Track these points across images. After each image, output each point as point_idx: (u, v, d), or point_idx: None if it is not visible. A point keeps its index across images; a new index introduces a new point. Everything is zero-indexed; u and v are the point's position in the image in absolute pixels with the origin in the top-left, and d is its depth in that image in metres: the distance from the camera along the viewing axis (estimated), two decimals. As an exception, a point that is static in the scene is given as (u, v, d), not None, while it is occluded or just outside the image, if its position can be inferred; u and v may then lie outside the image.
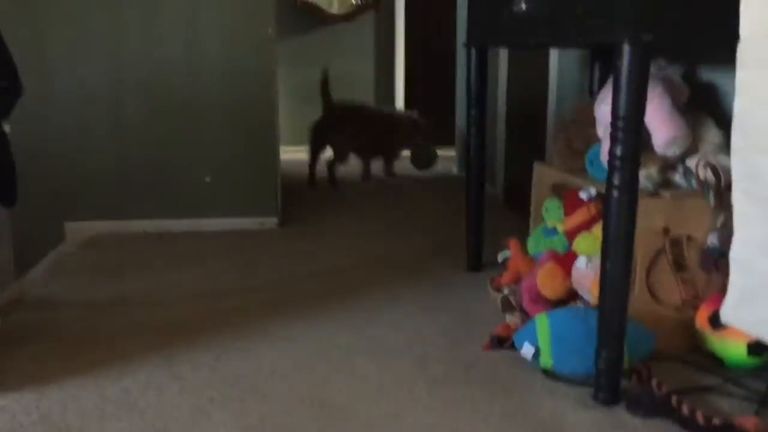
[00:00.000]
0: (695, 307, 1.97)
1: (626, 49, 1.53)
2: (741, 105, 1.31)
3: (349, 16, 6.55)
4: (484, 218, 2.78)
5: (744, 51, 1.29)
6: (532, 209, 2.60)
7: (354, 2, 6.55)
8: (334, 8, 6.55)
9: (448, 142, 5.76)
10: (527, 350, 1.88)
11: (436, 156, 5.19)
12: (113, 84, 3.36)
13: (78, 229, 3.35)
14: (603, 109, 2.05)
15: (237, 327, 2.24)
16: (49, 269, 2.88)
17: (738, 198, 1.36)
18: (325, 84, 4.79)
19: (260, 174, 3.55)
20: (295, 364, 1.98)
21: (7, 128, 2.01)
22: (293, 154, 6.29)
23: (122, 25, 3.32)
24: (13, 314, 2.35)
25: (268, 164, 3.56)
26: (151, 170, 3.43)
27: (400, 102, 6.66)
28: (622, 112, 1.58)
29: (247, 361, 1.99)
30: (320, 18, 6.49)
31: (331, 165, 4.82)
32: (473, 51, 2.61)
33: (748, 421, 1.56)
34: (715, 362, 1.91)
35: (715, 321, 1.86)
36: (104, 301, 2.51)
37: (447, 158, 5.71)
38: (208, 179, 3.48)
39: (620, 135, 1.59)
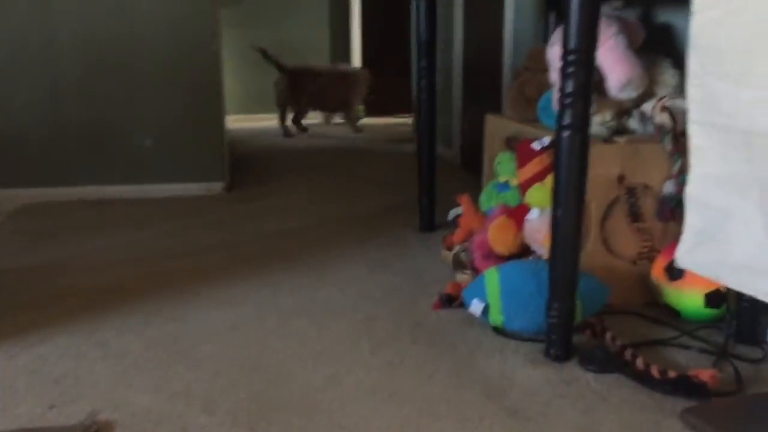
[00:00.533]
0: (651, 259, 1.88)
1: (575, -26, 1.41)
2: (697, 26, 1.19)
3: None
4: (435, 174, 2.66)
5: (700, -35, 1.17)
6: (484, 164, 2.49)
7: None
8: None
9: (408, 108, 5.66)
10: (476, 307, 1.77)
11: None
12: (44, 39, 3.13)
13: (8, 197, 3.15)
14: (555, 51, 1.93)
15: (171, 291, 2.09)
16: (-25, 237, 2.70)
17: (693, 131, 1.25)
18: (266, 56, 5.34)
19: (205, 137, 3.37)
20: (230, 327, 1.84)
21: None
22: (248, 123, 6.13)
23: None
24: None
25: (213, 126, 3.39)
26: (88, 133, 3.23)
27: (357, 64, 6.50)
28: (572, 44, 1.46)
29: (177, 324, 1.85)
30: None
31: (297, 119, 5.64)
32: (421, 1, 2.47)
33: (705, 373, 1.47)
34: (672, 315, 1.82)
35: (671, 272, 1.77)
36: (31, 268, 2.34)
37: (407, 124, 5.61)
38: (149, 142, 3.30)
39: (571, 69, 1.47)
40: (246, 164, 4.20)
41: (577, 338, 1.68)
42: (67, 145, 3.22)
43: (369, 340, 1.76)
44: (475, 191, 2.34)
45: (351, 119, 5.74)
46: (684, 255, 1.32)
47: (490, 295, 1.75)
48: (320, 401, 1.46)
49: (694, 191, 1.28)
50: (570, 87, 1.48)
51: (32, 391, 1.50)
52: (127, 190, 3.28)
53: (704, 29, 1.18)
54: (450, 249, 2.30)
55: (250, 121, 6.21)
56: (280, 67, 5.37)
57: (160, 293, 2.07)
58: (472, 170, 3.51)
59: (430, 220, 2.69)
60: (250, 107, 6.35)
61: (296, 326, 1.85)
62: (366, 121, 6.20)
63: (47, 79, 3.17)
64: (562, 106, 1.50)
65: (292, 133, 5.49)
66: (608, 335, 1.68)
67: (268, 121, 5.91)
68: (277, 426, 1.36)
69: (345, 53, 6.51)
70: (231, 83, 6.14)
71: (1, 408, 1.44)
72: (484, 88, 3.62)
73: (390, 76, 6.19)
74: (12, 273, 2.29)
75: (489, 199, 2.26)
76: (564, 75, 1.49)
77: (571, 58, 1.47)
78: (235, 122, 5.98)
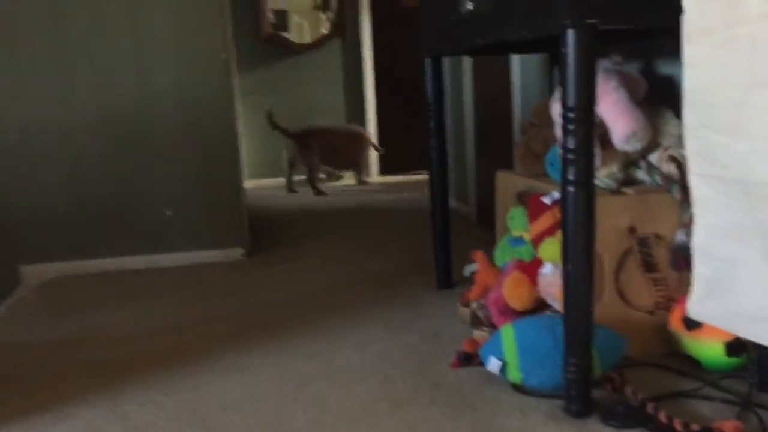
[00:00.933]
0: (668, 309, 1.87)
1: (570, 33, 1.45)
2: (690, 80, 1.22)
3: (316, 44, 6.53)
4: (450, 231, 2.68)
5: (688, 21, 1.21)
6: (497, 220, 2.50)
7: (324, 31, 6.53)
8: (305, 39, 6.53)
9: (423, 166, 5.73)
10: (494, 365, 1.77)
11: None
12: (64, 118, 3.23)
13: (34, 272, 3.22)
14: (556, 108, 1.97)
15: (191, 360, 2.11)
16: (4, 315, 2.75)
17: (695, 182, 1.26)
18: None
19: (224, 204, 3.44)
20: (250, 394, 1.85)
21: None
22: (264, 188, 6.25)
23: (70, 54, 3.20)
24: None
25: (232, 193, 3.45)
26: (109, 206, 3.31)
27: (372, 127, 6.61)
28: (571, 102, 1.50)
29: (198, 393, 1.86)
30: (287, 48, 6.46)
31: (311, 180, 5.79)
32: (428, 61, 2.54)
33: (728, 425, 1.44)
34: (693, 365, 1.80)
35: (689, 322, 1.76)
36: (56, 341, 2.37)
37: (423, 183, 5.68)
38: (168, 213, 3.36)
39: (571, 127, 1.50)
40: (264, 227, 4.25)
41: (597, 393, 1.67)
42: (89, 220, 3.30)
43: (388, 402, 1.75)
44: (491, 246, 2.35)
45: (360, 173, 6.22)
46: (695, 306, 1.32)
47: (507, 352, 1.75)
48: (339, 468, 1.45)
49: (700, 242, 1.28)
50: (571, 143, 1.51)
51: (54, 468, 1.51)
52: (149, 260, 3.34)
53: (697, 83, 1.21)
54: (467, 306, 2.30)
55: (267, 186, 6.33)
56: (285, 133, 5.70)
57: (180, 363, 2.09)
58: (488, 225, 3.53)
59: (447, 277, 2.70)
60: (267, 172, 6.47)
61: (315, 391, 1.85)
62: (379, 179, 6.36)
63: (68, 156, 3.26)
64: (565, 163, 1.53)
65: (318, 192, 5.75)
66: (628, 389, 1.66)
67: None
68: (296, 495, 1.36)
69: (360, 114, 6.63)
70: (249, 148, 6.30)
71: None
72: (496, 144, 3.66)
73: (404, 134, 6.32)
74: (38, 347, 2.33)
75: (503, 254, 2.27)
76: (565, 132, 1.52)
77: (570, 115, 1.50)
78: (253, 186, 6.11)
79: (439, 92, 2.55)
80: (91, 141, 3.26)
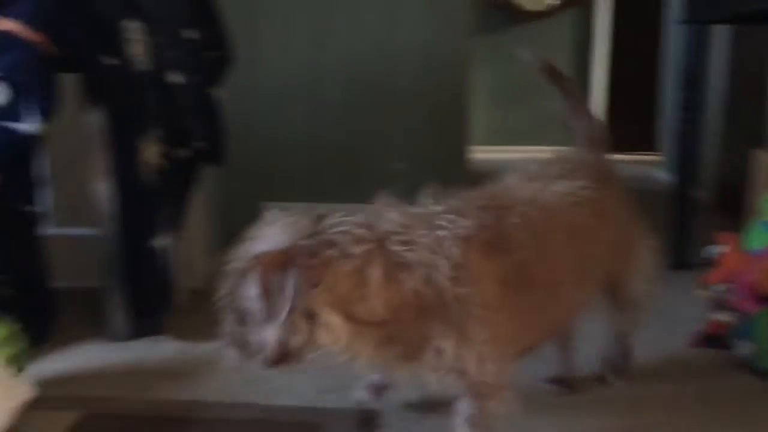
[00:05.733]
0: None
1: None
2: None
3: (548, 13, 6.38)
4: (692, 213, 2.54)
5: None
6: (749, 202, 2.32)
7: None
8: (539, 5, 6.40)
9: (647, 148, 5.48)
10: (745, 349, 1.66)
11: None
12: (313, 74, 3.47)
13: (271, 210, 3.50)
14: None
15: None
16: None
17: None
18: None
19: (451, 163, 3.51)
20: None
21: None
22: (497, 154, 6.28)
23: (325, 19, 3.43)
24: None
25: (458, 154, 3.52)
26: (344, 153, 3.51)
27: (597, 104, 6.38)
28: None
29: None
30: (518, 15, 6.38)
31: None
32: (690, 28, 2.39)
33: None
34: None
35: None
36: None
37: (646, 164, 5.42)
38: (400, 165, 3.50)
39: None
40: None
41: None
42: (324, 164, 3.52)
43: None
44: (728, 231, 2.20)
45: None
46: None
47: (761, 338, 1.64)
48: None
49: None
50: None
51: None
52: (375, 210, 3.50)
53: None
54: (706, 288, 2.17)
55: (499, 153, 6.35)
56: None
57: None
58: (726, 210, 3.28)
59: (682, 257, 2.56)
60: (498, 139, 6.45)
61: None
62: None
63: (312, 106, 3.49)
64: None
65: None
66: None
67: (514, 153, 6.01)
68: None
69: (582, 90, 6.43)
70: (483, 114, 6.30)
71: None
72: (745, 122, 3.38)
73: (631, 107, 6.02)
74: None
75: (757, 238, 2.10)
76: None
77: None
78: (479, 153, 6.15)
79: (701, 63, 2.40)
80: (334, 96, 3.48)
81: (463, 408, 1.19)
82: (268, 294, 1.05)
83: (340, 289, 1.07)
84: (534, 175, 1.38)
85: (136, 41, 1.80)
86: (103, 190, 1.84)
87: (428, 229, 1.16)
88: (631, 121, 6.07)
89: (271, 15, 3.46)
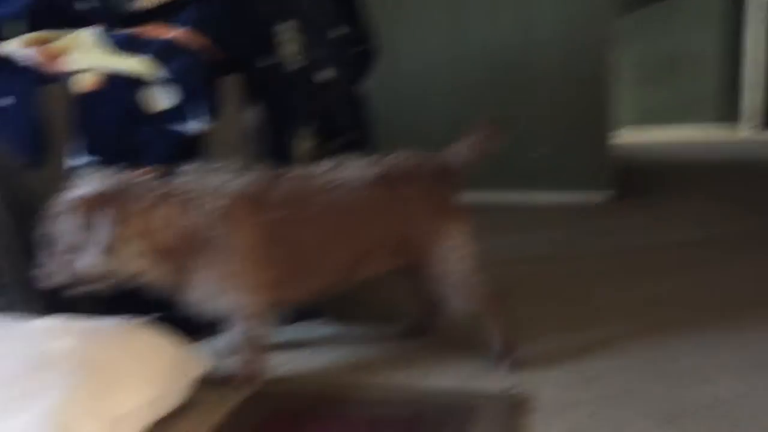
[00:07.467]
0: None
1: None
2: None
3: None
4: None
5: None
6: None
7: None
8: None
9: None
10: None
11: None
12: (454, 65, 3.53)
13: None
14: None
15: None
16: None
17: None
18: None
19: (594, 147, 3.43)
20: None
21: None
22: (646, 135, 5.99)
23: (464, 10, 3.48)
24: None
25: (600, 141, 3.43)
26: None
27: (750, 90, 5.92)
28: None
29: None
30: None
31: None
32: None
33: None
34: None
35: None
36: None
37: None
38: (542, 151, 3.46)
39: None
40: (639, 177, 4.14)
41: None
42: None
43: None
44: None
45: None
46: None
47: None
48: None
49: None
50: None
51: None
52: (516, 197, 3.49)
53: None
54: None
55: (648, 132, 6.09)
56: None
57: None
58: None
59: None
60: (646, 119, 6.21)
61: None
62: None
63: (452, 91, 3.55)
64: None
65: None
66: None
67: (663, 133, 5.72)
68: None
69: (733, 66, 6.01)
70: (629, 95, 6.07)
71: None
72: None
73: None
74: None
75: None
76: None
77: None
78: (628, 136, 5.91)
79: None
80: (474, 78, 3.49)
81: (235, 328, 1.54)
82: (87, 227, 1.38)
83: (136, 226, 1.40)
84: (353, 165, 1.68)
85: (290, 42, 1.90)
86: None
87: (211, 186, 1.48)
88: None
89: (411, 8, 3.53)
